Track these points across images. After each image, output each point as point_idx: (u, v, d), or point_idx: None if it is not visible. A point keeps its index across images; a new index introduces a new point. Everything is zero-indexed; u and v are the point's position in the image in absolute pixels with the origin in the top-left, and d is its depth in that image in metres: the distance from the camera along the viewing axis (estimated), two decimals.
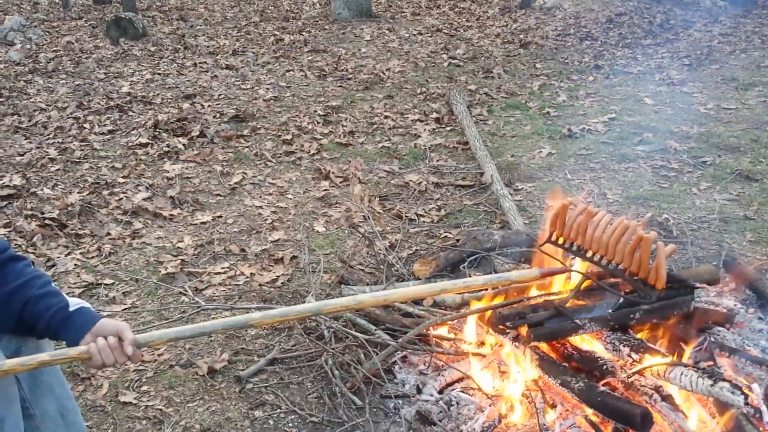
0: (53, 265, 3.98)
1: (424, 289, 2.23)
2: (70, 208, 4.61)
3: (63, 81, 8.11)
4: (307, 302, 3.35)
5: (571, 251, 2.57)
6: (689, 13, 11.86)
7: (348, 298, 2.11)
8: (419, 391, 2.80)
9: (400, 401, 2.79)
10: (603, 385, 2.48)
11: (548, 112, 6.74)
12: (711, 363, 2.53)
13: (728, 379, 2.27)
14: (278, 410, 2.81)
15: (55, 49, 9.93)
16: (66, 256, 4.10)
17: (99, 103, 7.09)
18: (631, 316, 2.65)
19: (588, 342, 2.72)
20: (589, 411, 2.46)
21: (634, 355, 2.52)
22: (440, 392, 2.78)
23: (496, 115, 6.73)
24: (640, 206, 4.58)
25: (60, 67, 8.78)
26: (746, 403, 2.19)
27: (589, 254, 2.49)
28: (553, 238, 2.62)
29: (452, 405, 2.70)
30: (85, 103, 7.11)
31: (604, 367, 2.54)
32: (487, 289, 2.91)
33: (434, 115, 6.67)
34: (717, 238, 4.10)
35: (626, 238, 2.35)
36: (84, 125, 6.43)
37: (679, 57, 8.93)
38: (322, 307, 2.03)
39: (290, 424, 2.74)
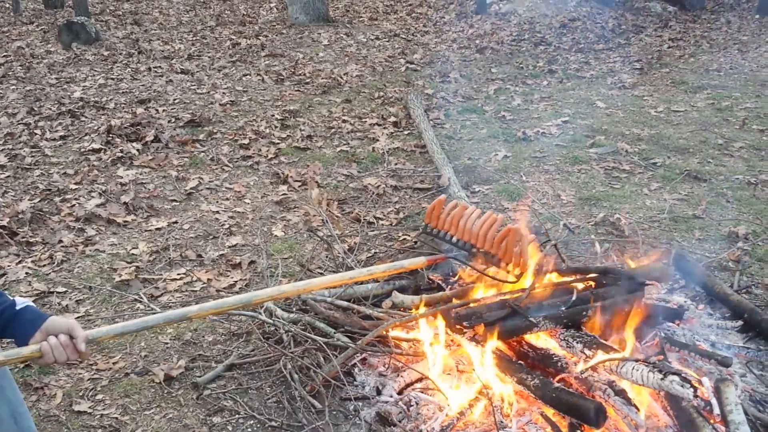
0: (4, 274, 3.89)
1: (337, 278, 2.42)
2: (20, 216, 4.50)
3: (13, 87, 7.91)
4: (266, 307, 3.33)
5: (445, 240, 2.77)
6: (640, 18, 12.14)
7: (272, 289, 2.30)
8: (379, 392, 2.81)
9: (360, 403, 2.79)
10: (558, 381, 2.52)
11: (504, 116, 6.83)
12: (661, 357, 2.60)
13: (678, 372, 2.33)
14: (237, 416, 2.79)
15: (4, 54, 9.69)
16: (17, 264, 4.01)
17: (50, 109, 6.94)
18: (584, 313, 2.71)
19: (543, 339, 2.77)
20: (545, 407, 2.50)
21: (587, 351, 2.57)
22: (400, 393, 2.80)
23: (453, 118, 6.79)
24: (592, 207, 4.67)
25: (10, 73, 8.58)
26: (696, 396, 2.25)
27: (461, 242, 2.72)
28: (429, 228, 2.84)
29: (412, 405, 2.71)
30: (36, 109, 6.95)
31: (559, 363, 2.59)
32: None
33: (392, 119, 6.70)
34: (667, 237, 4.21)
35: (495, 229, 2.58)
36: (35, 131, 6.30)
37: (631, 61, 9.14)
38: (251, 298, 2.17)
39: (249, 430, 2.72)
